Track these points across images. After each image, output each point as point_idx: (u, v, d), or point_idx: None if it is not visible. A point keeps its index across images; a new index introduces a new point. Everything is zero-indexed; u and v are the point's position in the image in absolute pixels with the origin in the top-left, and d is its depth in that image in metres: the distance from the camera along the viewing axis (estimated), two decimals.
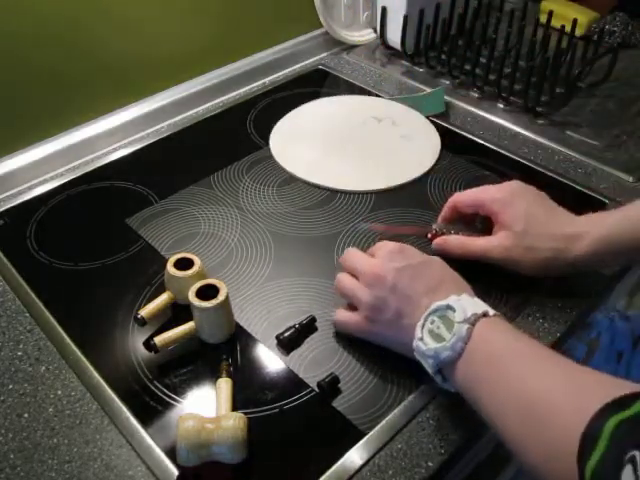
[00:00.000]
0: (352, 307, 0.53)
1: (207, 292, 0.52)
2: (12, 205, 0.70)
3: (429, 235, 0.62)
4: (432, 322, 0.46)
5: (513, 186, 0.57)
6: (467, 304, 0.45)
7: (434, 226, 0.62)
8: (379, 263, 0.51)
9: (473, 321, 0.44)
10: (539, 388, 0.39)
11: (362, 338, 0.53)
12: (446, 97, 0.86)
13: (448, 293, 0.47)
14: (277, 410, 0.49)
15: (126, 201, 0.70)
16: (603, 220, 0.55)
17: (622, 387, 0.35)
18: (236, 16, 0.88)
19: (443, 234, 0.60)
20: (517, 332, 0.45)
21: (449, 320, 0.45)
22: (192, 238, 0.65)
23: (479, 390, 0.43)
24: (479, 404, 0.43)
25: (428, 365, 0.46)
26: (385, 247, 0.52)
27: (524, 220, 0.54)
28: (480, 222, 0.61)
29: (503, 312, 0.56)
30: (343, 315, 0.54)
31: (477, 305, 0.46)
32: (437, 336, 0.45)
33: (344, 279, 0.54)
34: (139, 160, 0.77)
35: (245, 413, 0.46)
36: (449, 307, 0.45)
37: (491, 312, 0.45)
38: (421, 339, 0.46)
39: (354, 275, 0.53)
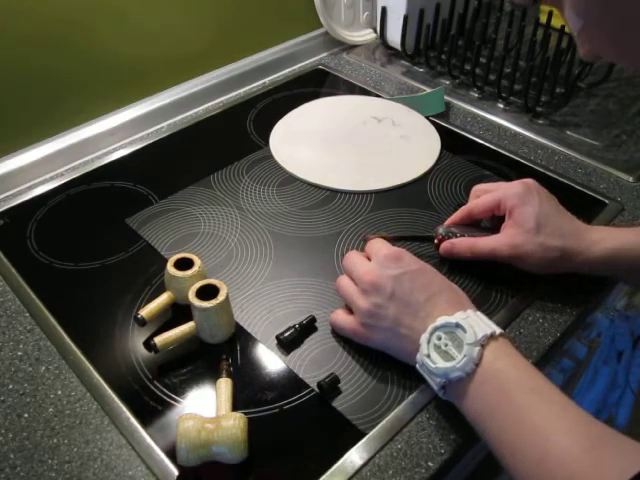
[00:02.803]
0: (350, 309, 0.53)
1: (207, 292, 0.52)
2: (12, 205, 0.70)
3: (435, 240, 0.61)
4: (439, 338, 0.45)
5: (529, 183, 0.57)
6: (475, 323, 0.45)
7: (440, 230, 0.60)
8: (375, 270, 0.50)
9: (483, 342, 0.44)
10: (562, 451, 0.38)
11: (357, 342, 0.53)
12: (446, 97, 0.86)
13: (448, 304, 0.48)
14: (277, 410, 0.49)
15: (126, 201, 0.70)
16: (619, 232, 0.55)
17: (637, 457, 0.35)
18: (236, 16, 0.88)
19: (450, 238, 0.60)
20: (524, 360, 0.44)
21: (458, 339, 0.44)
22: (192, 238, 0.65)
23: (490, 425, 0.43)
24: (488, 435, 0.43)
25: (434, 383, 0.46)
26: (380, 251, 0.52)
27: (537, 217, 0.54)
28: (487, 219, 0.61)
29: (503, 313, 0.56)
30: (340, 318, 0.54)
31: (484, 323, 0.46)
32: (445, 354, 0.45)
33: (343, 283, 0.54)
34: (139, 160, 0.77)
35: (245, 413, 0.46)
36: (458, 325, 0.45)
37: (497, 331, 0.45)
38: (428, 356, 0.45)
39: (353, 279, 0.53)
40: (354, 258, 0.54)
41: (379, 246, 0.52)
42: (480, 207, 0.59)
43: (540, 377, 0.43)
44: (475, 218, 0.60)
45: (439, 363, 0.45)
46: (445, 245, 0.59)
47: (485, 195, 0.59)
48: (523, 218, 0.55)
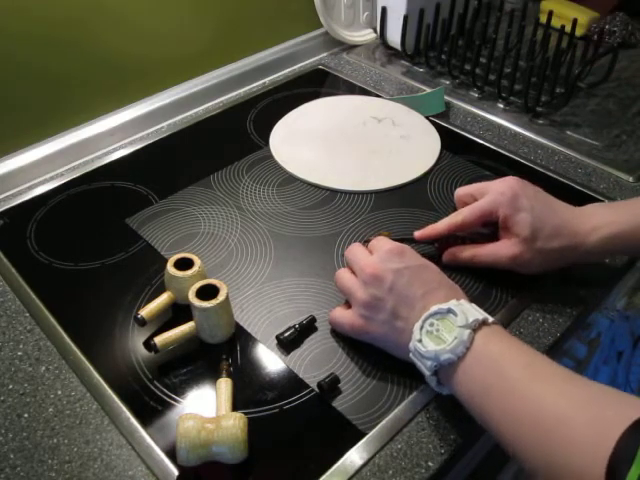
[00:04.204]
0: (349, 306, 0.53)
1: (207, 292, 0.52)
2: (12, 205, 0.70)
3: (436, 244, 0.61)
4: (431, 324, 0.46)
5: (514, 186, 0.56)
6: (467, 309, 0.45)
7: None
8: (376, 263, 0.50)
9: (474, 327, 0.44)
10: (557, 411, 0.38)
11: (354, 337, 0.53)
12: (446, 97, 0.86)
13: (445, 299, 0.47)
14: (277, 410, 0.49)
15: (126, 201, 0.70)
16: (613, 215, 0.54)
17: (636, 407, 0.35)
18: (236, 16, 0.88)
19: (449, 244, 0.60)
20: (519, 342, 0.45)
21: (449, 324, 0.45)
22: (192, 238, 0.65)
23: (485, 403, 0.43)
24: (484, 414, 0.43)
25: (425, 367, 0.46)
26: (384, 246, 0.52)
27: (531, 224, 0.54)
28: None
29: (503, 312, 0.56)
30: (338, 313, 0.54)
31: (477, 311, 0.46)
32: (436, 338, 0.45)
33: (343, 275, 0.54)
34: (139, 160, 0.77)
35: (245, 413, 0.46)
36: (450, 311, 0.45)
37: (490, 319, 0.45)
38: (420, 341, 0.46)
39: (355, 272, 0.53)
40: (357, 250, 0.54)
41: (382, 242, 0.53)
42: (470, 221, 0.58)
43: (535, 353, 0.43)
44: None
45: (430, 346, 0.45)
46: (446, 256, 0.60)
47: (473, 206, 0.57)
48: (518, 227, 0.54)
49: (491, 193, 0.57)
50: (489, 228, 0.59)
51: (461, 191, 0.61)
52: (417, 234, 0.60)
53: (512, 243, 0.55)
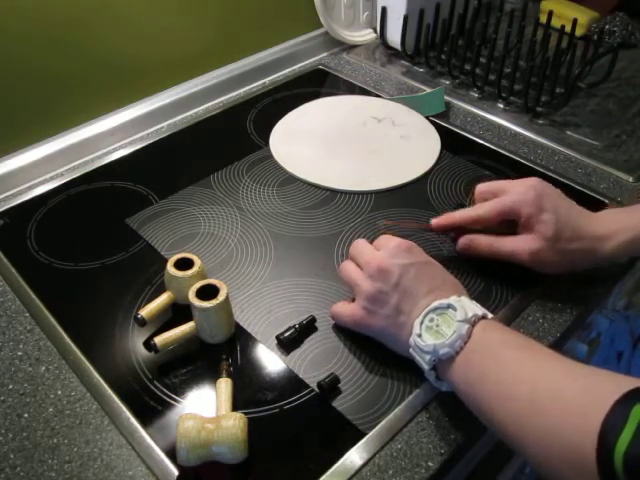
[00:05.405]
0: (351, 302, 0.53)
1: (207, 292, 0.52)
2: (12, 205, 0.70)
3: (452, 234, 0.60)
4: (431, 320, 0.46)
5: (536, 186, 0.56)
6: (467, 305, 0.46)
7: None
8: (384, 257, 0.50)
9: (473, 321, 0.45)
10: (551, 386, 0.39)
11: (354, 329, 0.53)
12: (446, 97, 0.86)
13: (449, 294, 0.48)
14: (277, 410, 0.49)
15: (126, 201, 0.70)
16: (629, 221, 0.55)
17: (629, 381, 0.35)
18: (236, 16, 0.88)
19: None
20: (515, 332, 0.46)
21: (449, 318, 0.45)
22: (192, 238, 0.65)
23: (482, 388, 0.43)
24: (481, 403, 0.43)
25: (424, 361, 0.46)
26: (392, 241, 0.52)
27: (555, 225, 0.53)
28: None
29: (503, 312, 0.56)
30: (340, 305, 0.54)
31: (477, 307, 0.46)
32: (436, 333, 0.45)
33: (348, 267, 0.54)
34: (139, 160, 0.77)
35: (245, 413, 0.46)
36: (450, 306, 0.46)
37: (489, 315, 0.46)
38: (419, 335, 0.46)
39: (359, 265, 0.53)
40: (362, 246, 0.54)
41: (389, 239, 0.52)
42: (489, 216, 0.57)
43: (530, 339, 0.44)
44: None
45: (429, 340, 0.45)
46: (463, 241, 0.59)
47: (495, 201, 0.57)
48: (542, 227, 0.54)
49: (514, 192, 0.56)
50: (503, 229, 0.58)
51: (482, 187, 0.60)
52: (434, 222, 0.59)
53: (534, 238, 0.54)
